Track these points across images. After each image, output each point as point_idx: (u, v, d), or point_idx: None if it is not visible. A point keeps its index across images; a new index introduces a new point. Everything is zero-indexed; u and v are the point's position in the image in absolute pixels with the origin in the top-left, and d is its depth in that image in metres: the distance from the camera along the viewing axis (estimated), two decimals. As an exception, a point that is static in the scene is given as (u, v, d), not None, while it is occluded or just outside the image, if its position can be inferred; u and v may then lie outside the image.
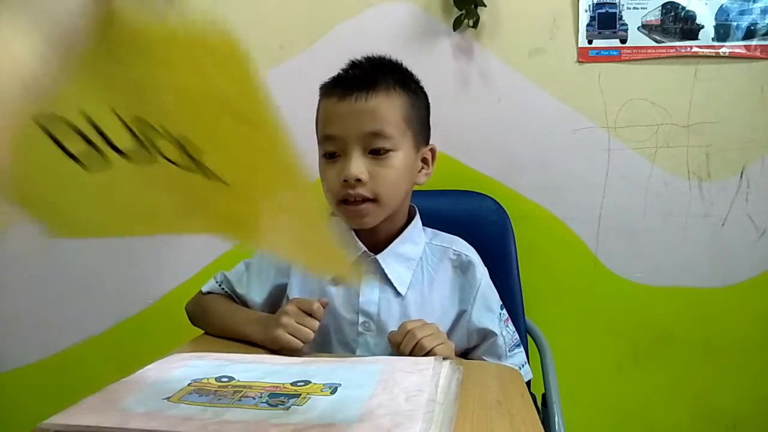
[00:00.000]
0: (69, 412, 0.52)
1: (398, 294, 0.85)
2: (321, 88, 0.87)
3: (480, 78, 1.27)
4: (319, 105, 0.86)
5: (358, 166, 0.79)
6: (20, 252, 1.36)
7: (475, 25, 1.23)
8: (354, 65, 0.87)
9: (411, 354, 0.74)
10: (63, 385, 1.37)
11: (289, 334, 0.77)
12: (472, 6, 1.21)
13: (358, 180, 0.79)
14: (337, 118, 0.81)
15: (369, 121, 0.79)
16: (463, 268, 0.89)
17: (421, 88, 0.90)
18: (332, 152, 0.82)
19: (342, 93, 0.81)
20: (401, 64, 0.89)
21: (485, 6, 1.22)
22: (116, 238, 1.34)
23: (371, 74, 0.83)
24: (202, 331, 0.91)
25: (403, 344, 0.76)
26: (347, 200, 0.81)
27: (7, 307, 1.38)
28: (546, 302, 1.28)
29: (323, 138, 0.84)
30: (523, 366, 0.90)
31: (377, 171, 0.80)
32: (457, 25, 1.23)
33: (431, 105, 0.92)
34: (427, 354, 0.74)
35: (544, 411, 1.00)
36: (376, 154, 0.81)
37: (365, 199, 0.81)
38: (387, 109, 0.81)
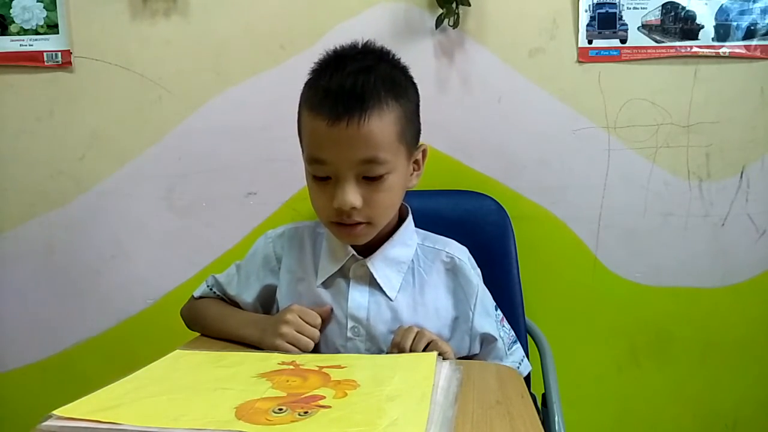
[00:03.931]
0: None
1: (388, 298, 0.83)
2: (303, 97, 0.80)
3: (480, 78, 1.27)
4: (302, 115, 0.80)
5: (352, 194, 0.75)
6: (20, 252, 1.36)
7: (455, 25, 1.21)
8: (337, 65, 0.77)
9: (413, 344, 0.76)
10: (63, 385, 1.36)
11: (289, 343, 0.78)
12: (453, 5, 1.19)
13: (353, 207, 0.76)
14: (326, 143, 0.75)
15: (362, 149, 0.74)
16: (456, 271, 0.87)
17: (409, 78, 0.83)
18: (323, 177, 0.77)
19: (331, 116, 0.73)
20: (385, 54, 0.82)
21: (469, 5, 1.21)
22: (116, 238, 1.34)
23: (359, 84, 0.74)
24: (202, 332, 0.91)
25: (402, 340, 0.77)
26: (340, 222, 0.78)
27: (7, 307, 1.38)
28: (546, 302, 1.28)
29: (312, 159, 0.78)
30: (522, 360, 0.89)
31: (372, 196, 0.77)
32: (438, 23, 1.22)
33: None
34: (431, 344, 0.75)
35: (544, 411, 1.00)
36: (371, 179, 0.76)
37: (359, 222, 0.78)
38: (381, 131, 0.74)
